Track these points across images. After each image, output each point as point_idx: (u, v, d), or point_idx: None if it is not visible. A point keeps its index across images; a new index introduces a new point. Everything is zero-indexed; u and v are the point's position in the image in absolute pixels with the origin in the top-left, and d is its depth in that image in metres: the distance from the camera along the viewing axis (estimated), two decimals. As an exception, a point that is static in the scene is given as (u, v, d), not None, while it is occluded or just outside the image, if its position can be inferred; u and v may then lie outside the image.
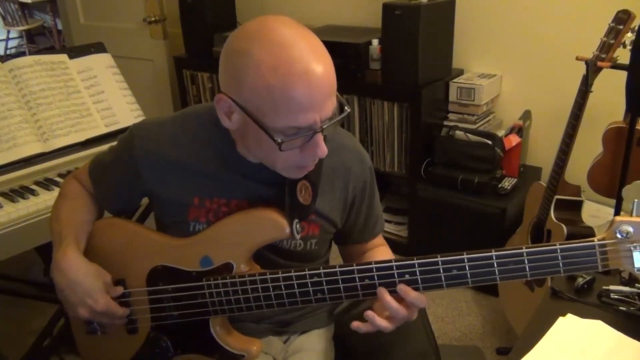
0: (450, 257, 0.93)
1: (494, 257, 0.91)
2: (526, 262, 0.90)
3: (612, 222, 0.88)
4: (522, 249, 0.91)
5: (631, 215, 0.90)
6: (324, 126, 0.94)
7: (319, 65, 0.90)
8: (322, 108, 0.92)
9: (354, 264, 0.98)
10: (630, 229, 0.87)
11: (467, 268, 0.93)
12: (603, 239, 0.89)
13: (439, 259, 0.94)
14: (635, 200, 0.94)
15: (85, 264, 1.09)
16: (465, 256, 0.93)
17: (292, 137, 0.93)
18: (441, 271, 0.94)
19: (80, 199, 1.21)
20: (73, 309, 1.09)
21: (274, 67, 0.88)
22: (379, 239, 1.27)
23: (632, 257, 0.88)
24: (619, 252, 0.88)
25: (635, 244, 0.87)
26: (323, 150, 0.96)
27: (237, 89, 0.93)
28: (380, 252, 1.23)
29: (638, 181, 0.98)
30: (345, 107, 0.99)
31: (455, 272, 0.93)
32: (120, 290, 1.12)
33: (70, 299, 1.08)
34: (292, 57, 0.88)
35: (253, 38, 0.91)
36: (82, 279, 1.07)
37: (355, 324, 0.99)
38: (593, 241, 0.89)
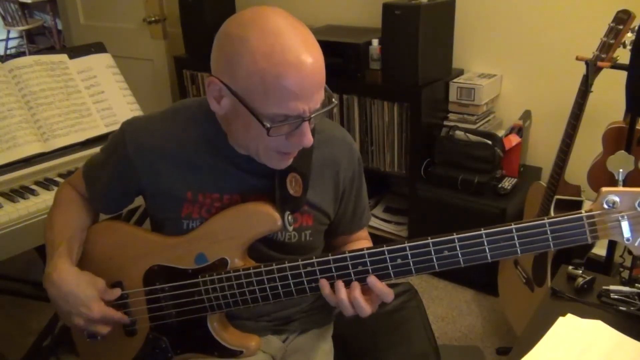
0: (441, 238, 0.94)
1: (483, 236, 0.92)
2: (516, 238, 0.91)
3: (599, 193, 0.88)
4: (511, 225, 0.91)
5: (617, 186, 0.90)
6: (312, 115, 0.95)
7: (311, 57, 0.92)
8: (311, 98, 0.94)
9: (347, 252, 0.99)
10: (617, 199, 0.87)
11: (458, 248, 0.94)
12: (590, 210, 0.89)
13: (430, 240, 0.94)
14: (620, 169, 0.94)
15: (76, 274, 1.10)
16: (455, 236, 0.94)
17: (280, 124, 0.94)
18: (432, 253, 0.95)
19: (73, 206, 1.21)
20: (68, 319, 1.10)
21: (268, 54, 0.90)
22: (363, 232, 1.28)
23: (620, 227, 0.88)
24: (606, 222, 0.89)
25: (622, 214, 0.87)
26: (309, 139, 0.97)
27: (230, 73, 0.94)
28: (361, 245, 1.23)
29: (621, 151, 0.97)
30: (333, 100, 1.01)
31: (446, 252, 0.94)
32: (118, 292, 1.12)
33: (65, 310, 1.09)
34: (287, 46, 0.90)
35: (249, 25, 0.92)
36: (74, 289, 1.07)
37: (323, 282, 1.00)
38: (581, 213, 0.89)
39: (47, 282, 1.09)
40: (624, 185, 0.92)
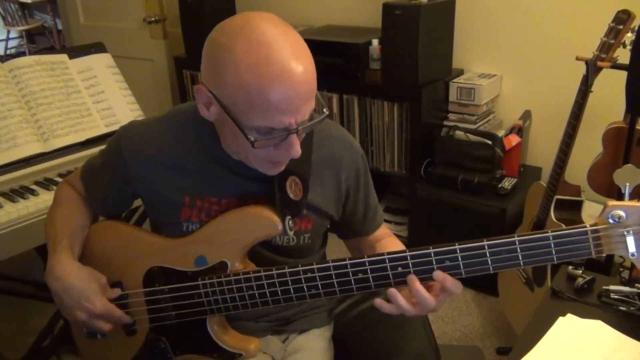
0: (443, 247, 0.93)
1: (486, 247, 0.91)
2: (519, 250, 0.90)
3: (604, 207, 0.87)
4: (514, 237, 0.90)
5: (624, 200, 0.89)
6: (300, 128, 0.93)
7: (298, 69, 0.89)
8: (298, 111, 0.91)
9: (347, 259, 0.98)
10: (623, 214, 0.86)
11: (460, 259, 0.92)
12: (595, 224, 0.88)
13: (431, 250, 0.93)
14: (627, 184, 0.93)
15: (79, 268, 1.10)
16: (457, 247, 0.92)
17: (266, 137, 0.93)
18: (434, 262, 0.93)
19: (74, 204, 1.21)
20: (70, 313, 1.09)
21: (252, 67, 0.87)
22: (384, 229, 1.26)
23: (625, 242, 0.87)
24: (611, 237, 0.87)
25: (628, 229, 0.86)
26: (297, 150, 0.95)
27: (216, 82, 0.93)
28: (389, 243, 1.21)
29: (629, 165, 0.96)
30: (324, 109, 0.98)
31: (448, 263, 0.93)
32: (117, 292, 1.12)
33: (67, 304, 1.08)
34: (272, 58, 0.87)
35: (235, 34, 0.90)
36: (77, 282, 1.07)
37: (378, 301, 0.97)
38: (585, 227, 0.88)
39: (50, 275, 1.09)
40: (631, 196, 0.91)
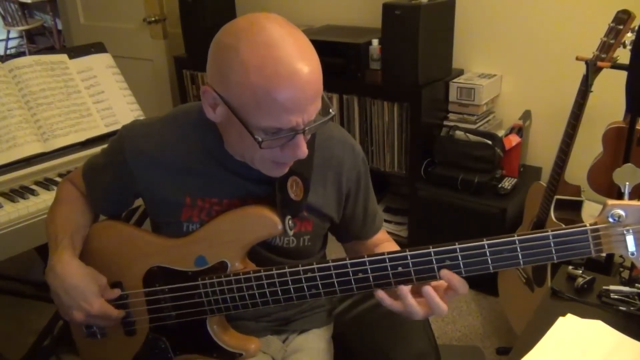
0: (443, 247, 0.93)
1: (486, 246, 0.91)
2: (519, 249, 0.90)
3: (604, 206, 0.87)
4: (514, 236, 0.90)
5: (623, 199, 0.89)
6: (307, 128, 0.94)
7: (305, 69, 0.89)
8: (305, 111, 0.92)
9: (347, 259, 0.98)
10: (622, 213, 0.86)
11: (460, 258, 0.92)
12: (595, 223, 0.88)
13: (432, 249, 0.93)
14: (627, 183, 0.93)
15: (80, 267, 1.10)
16: (457, 246, 0.92)
17: (273, 137, 0.93)
18: (434, 262, 0.93)
19: (75, 202, 1.21)
20: (68, 312, 1.09)
21: (259, 67, 0.88)
22: (383, 234, 1.26)
23: (625, 240, 0.87)
24: (611, 236, 0.87)
25: (627, 228, 0.86)
26: (303, 151, 0.95)
27: (222, 83, 0.93)
28: (387, 247, 1.21)
29: (629, 164, 0.97)
30: (330, 110, 0.99)
31: (448, 262, 0.93)
32: (117, 292, 1.12)
33: (65, 303, 1.08)
34: (279, 59, 0.88)
35: (242, 35, 0.90)
36: (77, 282, 1.07)
37: (381, 294, 0.97)
38: (585, 226, 0.88)
39: (50, 274, 1.09)
40: (630, 195, 0.91)
